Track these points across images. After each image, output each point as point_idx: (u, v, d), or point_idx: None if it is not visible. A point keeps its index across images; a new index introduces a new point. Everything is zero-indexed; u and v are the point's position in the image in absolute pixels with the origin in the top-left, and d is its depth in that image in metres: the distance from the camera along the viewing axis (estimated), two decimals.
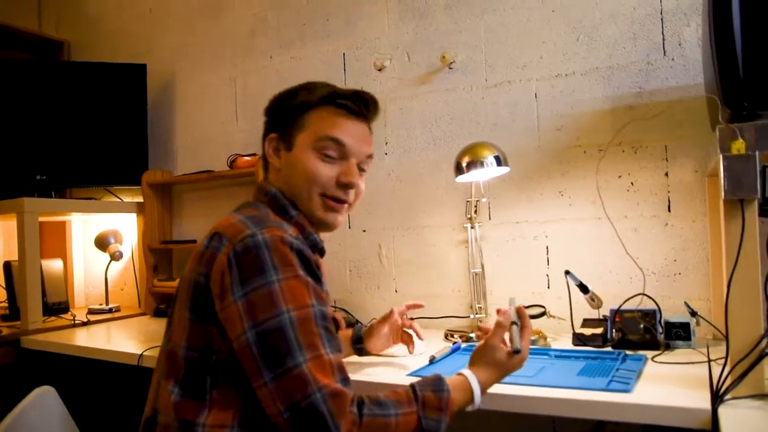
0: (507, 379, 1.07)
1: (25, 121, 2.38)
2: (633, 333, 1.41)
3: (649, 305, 1.45)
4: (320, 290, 0.92)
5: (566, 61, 1.72)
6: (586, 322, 1.52)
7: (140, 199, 2.51)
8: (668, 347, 1.39)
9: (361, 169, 1.10)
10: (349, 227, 2.07)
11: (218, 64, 2.44)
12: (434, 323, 1.85)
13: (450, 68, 1.90)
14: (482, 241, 1.81)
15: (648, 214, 1.60)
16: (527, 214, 1.77)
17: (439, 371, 1.26)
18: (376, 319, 1.42)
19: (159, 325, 2.04)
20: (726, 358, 0.99)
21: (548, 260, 1.74)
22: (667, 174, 1.59)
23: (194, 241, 2.37)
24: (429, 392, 0.91)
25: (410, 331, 1.40)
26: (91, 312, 2.44)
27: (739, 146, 0.96)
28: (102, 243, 2.49)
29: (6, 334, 2.05)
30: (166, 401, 0.93)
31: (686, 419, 0.97)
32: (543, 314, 1.59)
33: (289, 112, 1.09)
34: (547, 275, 1.73)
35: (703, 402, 0.98)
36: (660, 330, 1.40)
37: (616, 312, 1.44)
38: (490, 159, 1.59)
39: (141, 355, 1.65)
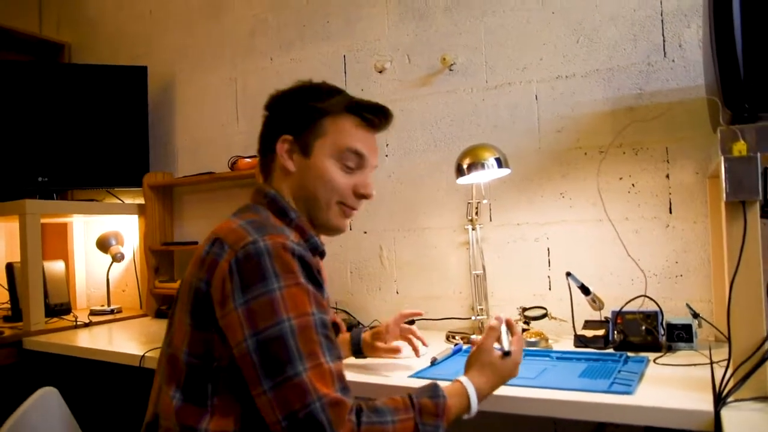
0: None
1: (27, 123, 2.38)
2: (634, 335, 1.41)
3: (650, 307, 1.45)
4: (321, 297, 0.92)
5: (566, 63, 1.72)
6: (588, 324, 1.52)
7: (141, 201, 2.52)
8: (670, 349, 1.38)
9: None
10: (350, 229, 2.08)
11: (218, 65, 2.44)
12: (435, 325, 1.85)
13: (450, 70, 1.90)
14: (483, 243, 1.81)
15: (649, 215, 1.61)
16: (528, 216, 1.77)
17: (441, 373, 1.27)
18: (378, 321, 1.42)
19: (160, 327, 2.04)
20: (728, 360, 0.99)
21: (549, 262, 1.74)
22: (668, 176, 1.59)
23: (195, 243, 2.37)
24: (425, 399, 0.91)
25: (413, 338, 1.40)
26: (92, 313, 2.44)
27: (740, 148, 0.96)
28: (103, 244, 2.49)
29: (8, 335, 2.05)
30: (167, 406, 0.93)
31: (689, 421, 0.97)
32: (544, 316, 1.59)
33: (305, 114, 1.07)
34: (549, 277, 1.73)
35: (706, 404, 0.98)
36: (662, 332, 1.40)
37: (618, 314, 1.44)
38: (490, 161, 1.59)
39: (143, 356, 1.65)
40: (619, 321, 1.43)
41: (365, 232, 2.06)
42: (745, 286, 0.97)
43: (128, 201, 2.63)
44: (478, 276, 1.77)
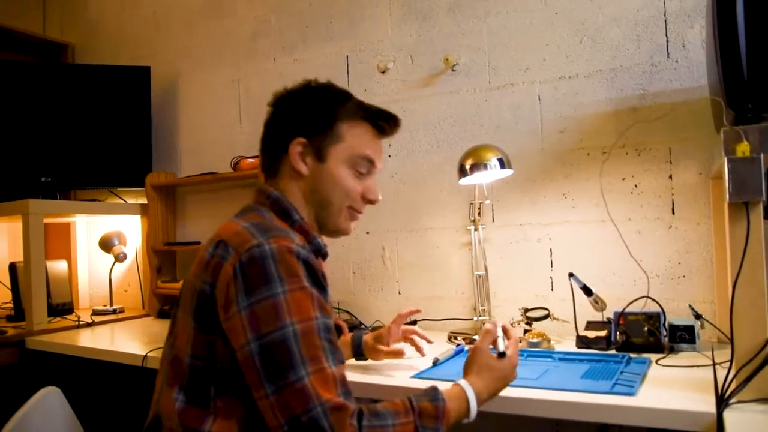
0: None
1: (30, 123, 2.39)
2: (637, 336, 1.40)
3: (653, 308, 1.45)
4: (324, 301, 0.92)
5: (569, 64, 1.72)
6: (590, 325, 1.51)
7: (144, 201, 2.52)
8: (672, 350, 1.38)
9: None
10: (353, 226, 2.07)
11: (221, 66, 2.44)
12: (437, 325, 1.85)
13: (453, 70, 1.90)
14: (485, 244, 1.81)
15: (652, 216, 1.60)
16: (530, 217, 1.76)
17: (443, 373, 1.27)
18: (380, 321, 1.42)
19: (163, 327, 2.04)
20: (731, 361, 0.98)
21: (552, 263, 1.73)
22: (670, 176, 1.59)
23: (198, 243, 2.38)
24: (425, 402, 0.91)
25: (416, 338, 1.40)
26: (95, 313, 2.45)
27: (743, 149, 0.96)
28: (106, 244, 2.50)
29: (11, 334, 2.06)
30: (170, 407, 0.93)
31: (691, 423, 0.97)
32: (546, 317, 1.58)
33: (321, 119, 1.08)
34: (551, 278, 1.73)
35: (708, 406, 0.97)
36: (664, 333, 1.40)
37: (620, 314, 1.44)
38: (493, 161, 1.59)
39: (145, 356, 1.65)
40: (621, 322, 1.43)
41: (368, 233, 2.06)
42: (748, 287, 0.97)
43: (131, 201, 2.63)
44: (480, 276, 1.77)
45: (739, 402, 0.96)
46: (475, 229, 1.77)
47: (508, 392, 1.10)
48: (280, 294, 0.86)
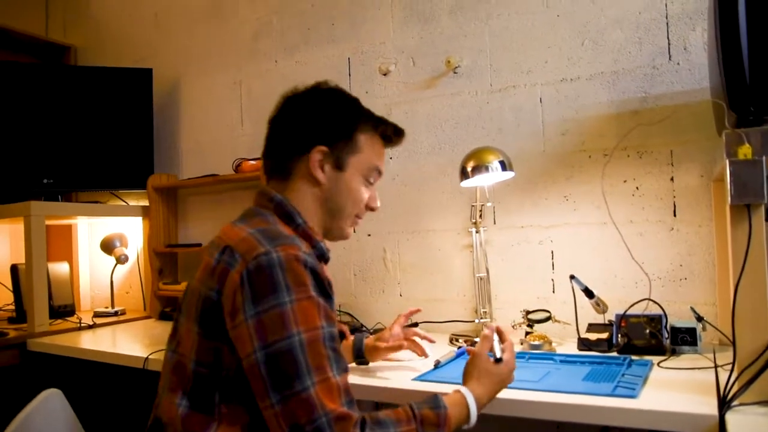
0: (512, 383, 1.08)
1: (32, 125, 2.39)
2: (638, 338, 1.40)
3: (654, 310, 1.45)
4: (330, 310, 0.93)
5: (571, 66, 1.72)
6: (592, 327, 1.51)
7: (146, 203, 2.53)
8: (674, 352, 1.38)
9: None
10: (354, 231, 2.07)
11: (223, 68, 2.45)
12: (439, 327, 1.84)
13: (455, 73, 1.90)
14: (487, 246, 1.81)
15: (653, 218, 1.60)
16: (532, 219, 1.76)
17: (444, 375, 1.27)
18: (381, 324, 1.42)
19: (164, 329, 2.04)
20: (733, 363, 0.98)
21: (553, 265, 1.73)
22: (672, 179, 1.59)
23: (199, 245, 2.38)
24: (427, 410, 0.91)
25: (418, 339, 1.40)
26: (96, 315, 2.45)
27: (745, 151, 0.96)
28: (108, 246, 2.50)
29: (12, 336, 2.06)
30: (173, 413, 0.93)
31: (693, 425, 0.97)
32: (548, 319, 1.58)
33: (342, 129, 1.09)
34: (552, 280, 1.73)
35: (710, 408, 0.97)
36: (666, 335, 1.40)
37: (622, 317, 1.43)
38: (495, 163, 1.59)
39: (146, 358, 1.65)
40: (623, 324, 1.43)
41: (369, 235, 2.06)
42: (750, 289, 0.97)
43: (132, 203, 2.64)
44: (481, 279, 1.77)
45: (741, 404, 0.95)
46: (477, 231, 1.77)
47: (509, 394, 1.10)
48: (287, 303, 0.86)
